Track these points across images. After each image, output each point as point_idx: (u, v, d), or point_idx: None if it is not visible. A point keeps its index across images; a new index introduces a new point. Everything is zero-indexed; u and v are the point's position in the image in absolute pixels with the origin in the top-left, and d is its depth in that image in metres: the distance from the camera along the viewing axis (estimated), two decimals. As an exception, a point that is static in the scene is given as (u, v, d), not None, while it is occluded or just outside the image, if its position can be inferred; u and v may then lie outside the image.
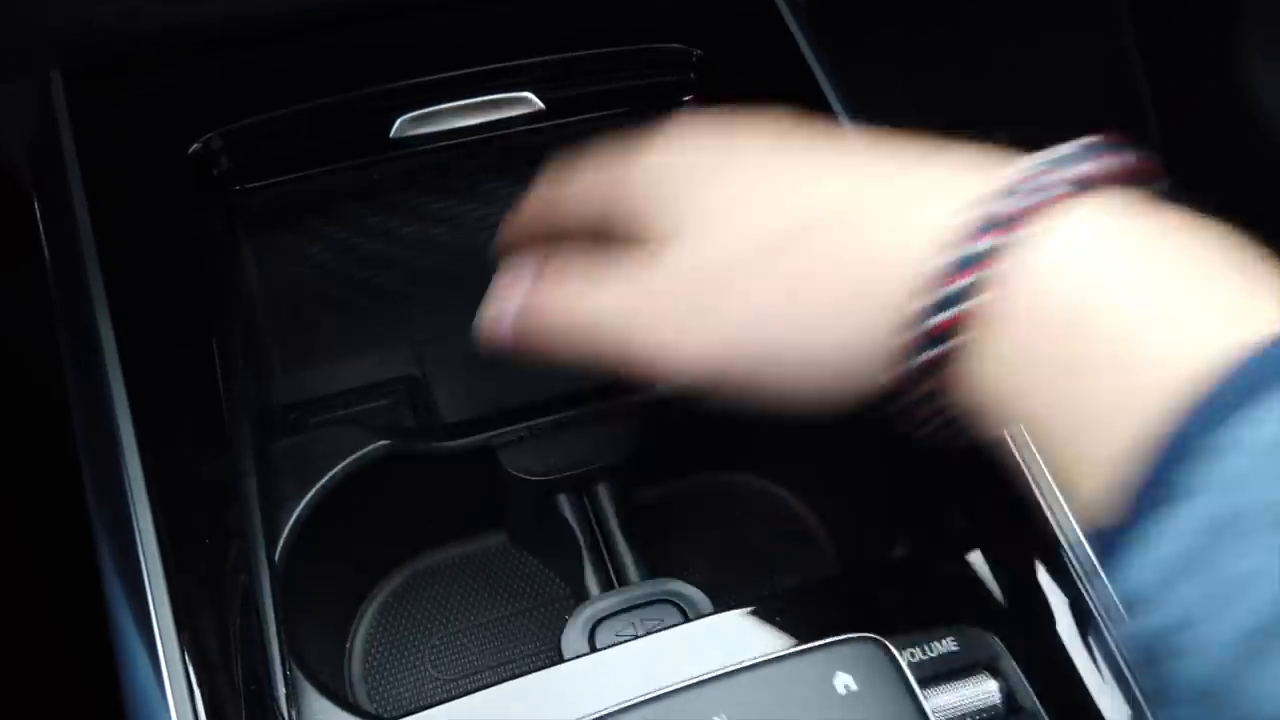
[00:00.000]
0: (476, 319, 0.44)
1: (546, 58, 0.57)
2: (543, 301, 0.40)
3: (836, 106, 0.56)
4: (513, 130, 0.56)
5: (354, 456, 0.46)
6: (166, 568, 0.38)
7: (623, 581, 0.46)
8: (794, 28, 0.59)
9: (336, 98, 0.54)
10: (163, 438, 0.43)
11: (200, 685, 0.36)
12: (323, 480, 0.45)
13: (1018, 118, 0.92)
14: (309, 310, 0.60)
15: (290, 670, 0.40)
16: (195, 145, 0.52)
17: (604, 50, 0.58)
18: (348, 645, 0.50)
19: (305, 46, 0.56)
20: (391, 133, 0.54)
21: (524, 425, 0.49)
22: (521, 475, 0.47)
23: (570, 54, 0.57)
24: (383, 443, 0.47)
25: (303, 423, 0.56)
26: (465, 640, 0.51)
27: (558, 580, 0.53)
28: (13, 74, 0.55)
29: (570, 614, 0.44)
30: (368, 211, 0.62)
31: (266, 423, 0.54)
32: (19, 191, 0.56)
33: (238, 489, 0.43)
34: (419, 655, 0.50)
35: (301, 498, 0.45)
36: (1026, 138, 0.33)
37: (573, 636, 0.42)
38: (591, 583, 0.46)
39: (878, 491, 0.53)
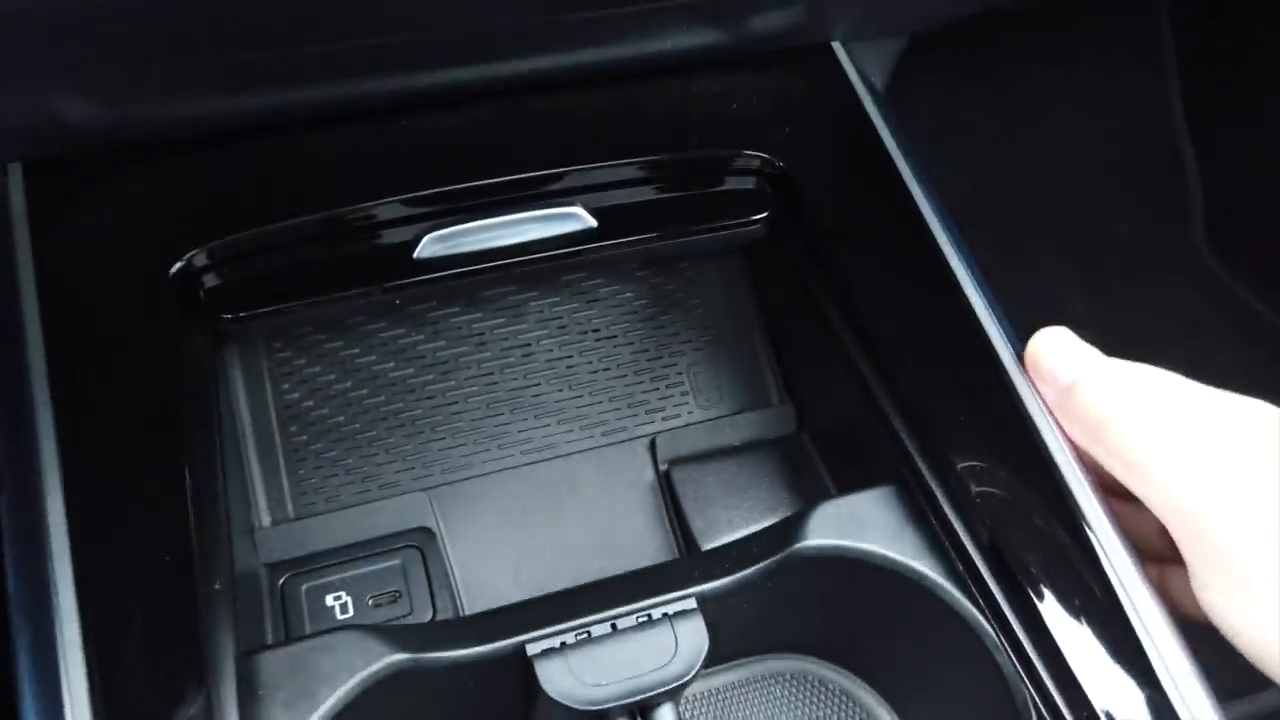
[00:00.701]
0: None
1: (600, 164, 0.48)
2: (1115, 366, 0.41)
3: (939, 236, 0.48)
4: (559, 252, 0.47)
5: (360, 676, 0.37)
6: None
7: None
8: (882, 129, 0.51)
9: (349, 209, 0.46)
10: (116, 630, 0.35)
11: None
12: (322, 709, 0.36)
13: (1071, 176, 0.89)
14: (303, 443, 0.51)
15: None
16: (177, 264, 0.43)
17: (664, 157, 0.49)
18: None
19: (313, 144, 0.47)
20: (416, 253, 0.46)
21: (563, 626, 0.40)
22: (566, 702, 0.38)
23: (629, 160, 0.49)
24: (394, 657, 0.38)
25: (292, 590, 0.47)
26: None
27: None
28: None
29: None
30: (380, 324, 0.53)
31: (247, 594, 0.45)
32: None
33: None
34: None
35: (295, 736, 0.36)
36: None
37: None
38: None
39: (956, 696, 0.45)
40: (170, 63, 0.42)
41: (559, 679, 0.39)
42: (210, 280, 0.45)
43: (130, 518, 0.37)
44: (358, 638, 0.38)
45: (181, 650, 0.35)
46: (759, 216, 0.51)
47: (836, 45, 0.54)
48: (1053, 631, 0.38)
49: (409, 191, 0.46)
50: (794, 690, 0.48)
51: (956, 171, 0.63)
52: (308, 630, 0.45)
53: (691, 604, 0.41)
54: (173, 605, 0.36)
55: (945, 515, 0.42)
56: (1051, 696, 0.38)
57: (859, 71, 0.54)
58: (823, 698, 0.48)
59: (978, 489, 0.42)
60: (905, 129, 0.52)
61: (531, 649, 0.40)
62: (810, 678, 0.49)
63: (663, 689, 0.39)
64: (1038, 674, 0.39)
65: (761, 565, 0.43)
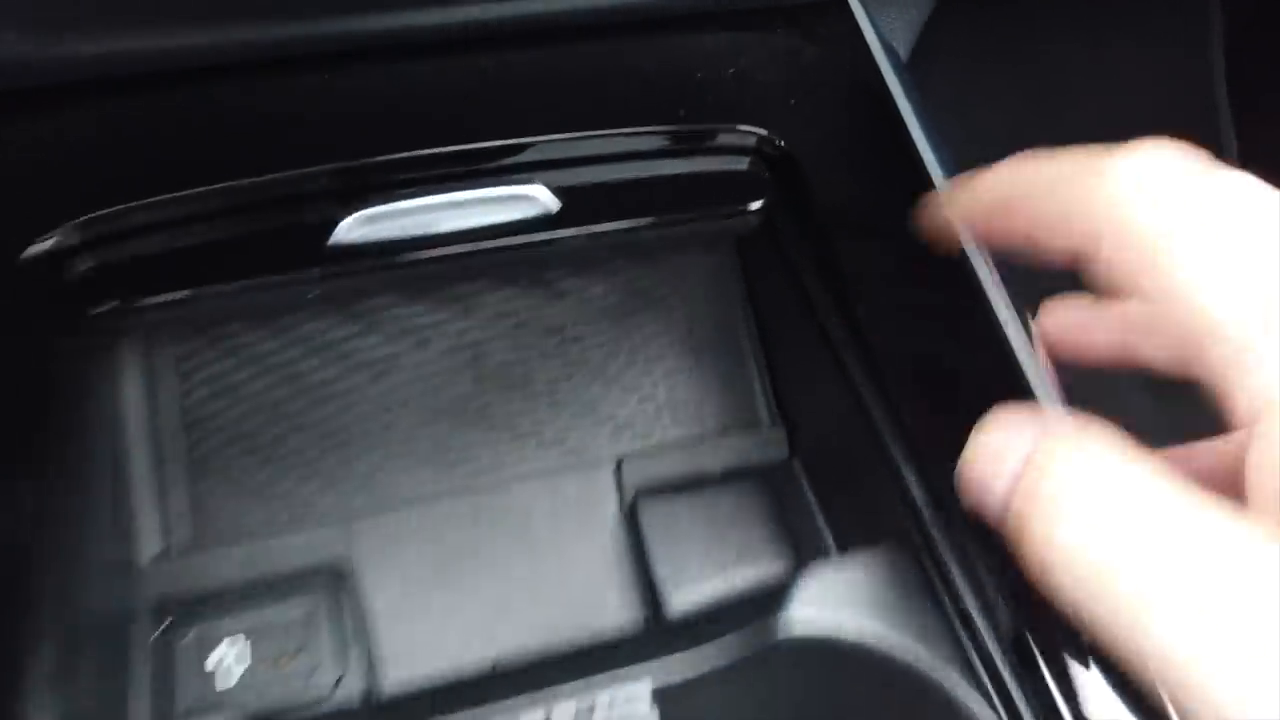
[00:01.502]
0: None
1: (568, 135, 0.40)
2: (1063, 475, 0.22)
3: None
4: (512, 242, 0.39)
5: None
6: None
7: None
8: (904, 108, 0.43)
9: (251, 181, 0.37)
10: None
11: None
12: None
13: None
14: (208, 453, 0.43)
15: None
16: (41, 242, 0.35)
17: (645, 130, 0.41)
18: None
19: (218, 97, 0.39)
20: (333, 238, 0.38)
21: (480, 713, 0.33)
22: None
23: (605, 132, 0.40)
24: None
25: (177, 638, 0.39)
26: None
27: None
28: None
29: None
30: (304, 316, 0.45)
31: (107, 646, 0.37)
32: None
33: None
34: None
35: None
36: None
37: None
38: None
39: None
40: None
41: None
42: (82, 263, 0.37)
43: None
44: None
45: None
46: (754, 205, 0.42)
47: (854, 2, 0.45)
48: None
49: (331, 161, 0.38)
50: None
51: (986, 156, 0.54)
52: (180, 696, 0.38)
53: (645, 693, 0.34)
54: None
55: (958, 591, 0.35)
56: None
57: (879, 35, 0.45)
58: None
59: (997, 559, 0.34)
60: (930, 104, 0.43)
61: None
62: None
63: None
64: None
65: (735, 652, 0.35)
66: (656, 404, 0.48)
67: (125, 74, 0.38)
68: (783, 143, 0.42)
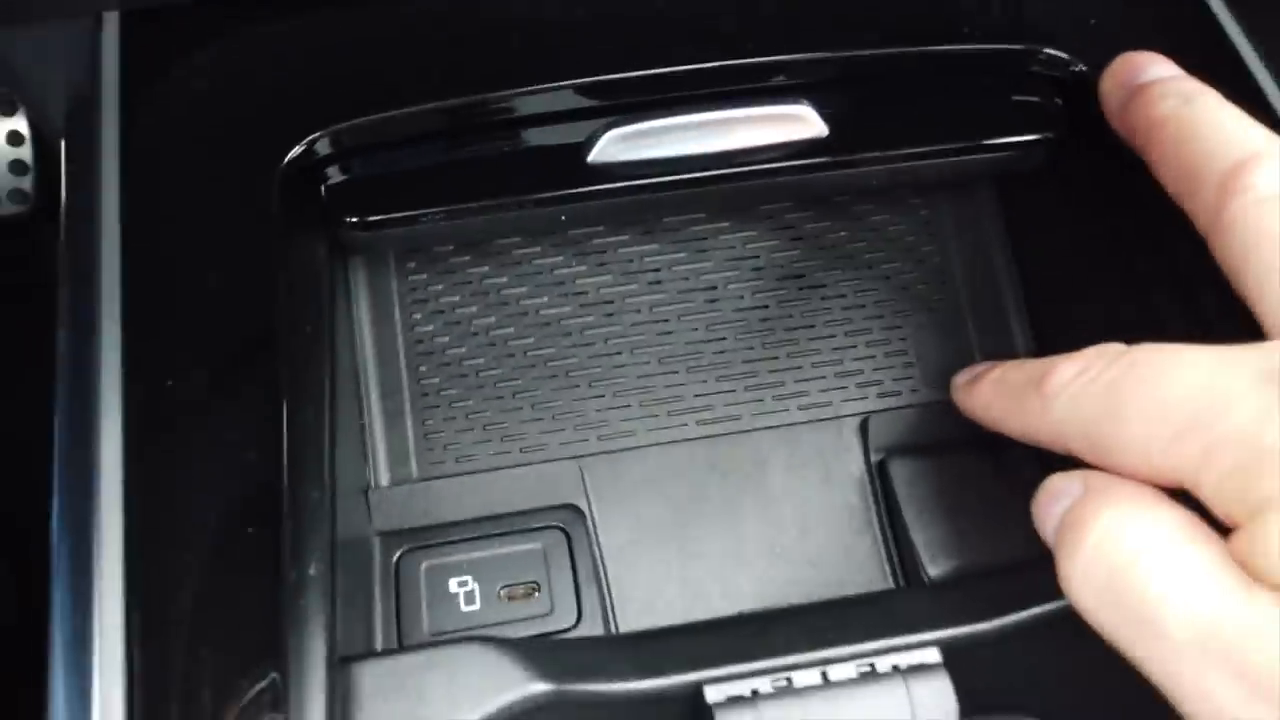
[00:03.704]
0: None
1: (839, 53, 0.37)
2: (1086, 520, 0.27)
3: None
4: (774, 165, 0.36)
5: (487, 711, 0.28)
6: None
7: None
8: (1231, 29, 0.37)
9: (510, 93, 0.35)
10: (170, 612, 0.26)
11: None
12: (436, 750, 0.27)
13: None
14: (435, 386, 0.42)
15: None
16: (294, 150, 0.34)
17: (933, 48, 0.37)
18: None
19: (474, 7, 0.37)
20: (591, 155, 0.35)
21: (756, 666, 0.29)
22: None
23: (878, 50, 0.37)
24: (534, 687, 0.28)
25: (409, 569, 0.38)
26: None
27: None
28: (57, 9, 0.38)
29: None
30: (535, 249, 0.43)
31: (352, 569, 0.36)
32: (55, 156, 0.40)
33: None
34: None
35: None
36: None
37: None
38: None
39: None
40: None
41: (750, 739, 0.28)
42: (334, 174, 0.36)
43: (205, 469, 0.29)
44: (490, 657, 0.29)
45: (255, 652, 0.27)
46: (1042, 135, 0.38)
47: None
48: None
49: (588, 75, 0.36)
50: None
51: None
52: (424, 620, 0.36)
53: (934, 656, 0.30)
54: (251, 591, 0.27)
55: None
56: None
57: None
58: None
59: None
60: (1263, 26, 0.38)
61: (712, 694, 0.29)
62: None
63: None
64: None
65: (1035, 611, 0.31)
66: (906, 360, 0.44)
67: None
68: (1083, 67, 0.37)
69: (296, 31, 0.37)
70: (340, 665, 0.28)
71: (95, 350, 0.31)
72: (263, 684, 0.27)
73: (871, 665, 0.30)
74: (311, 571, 0.28)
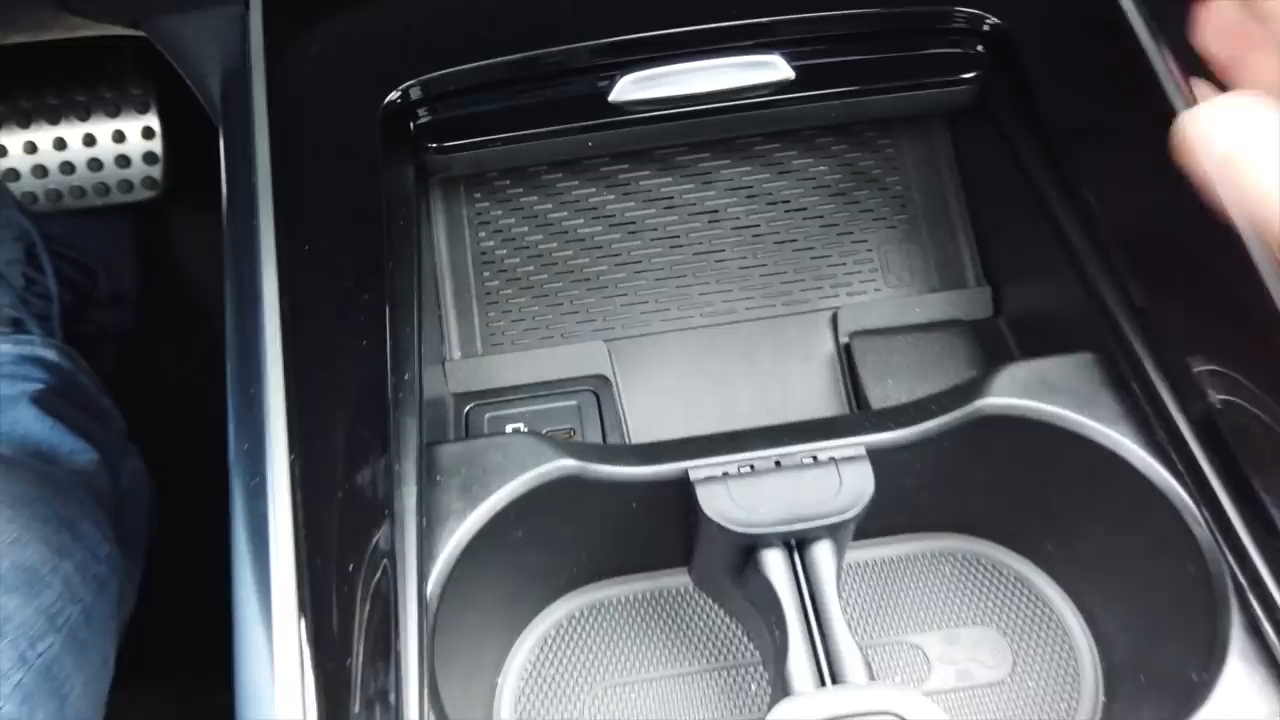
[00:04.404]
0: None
1: (800, 15, 0.47)
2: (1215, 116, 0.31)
3: (1170, 89, 0.44)
4: (754, 101, 0.47)
5: (531, 474, 0.39)
6: (300, 594, 0.32)
7: (835, 674, 0.37)
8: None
9: (551, 50, 0.47)
10: (317, 420, 0.37)
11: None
12: (491, 498, 0.38)
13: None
14: (495, 288, 0.53)
15: (428, 716, 0.34)
16: (392, 94, 0.46)
17: (872, 10, 0.47)
18: (498, 682, 0.43)
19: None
20: (612, 95, 0.46)
21: (728, 458, 0.40)
22: (723, 523, 0.38)
23: (830, 12, 0.47)
24: (565, 461, 0.39)
25: (476, 418, 0.49)
26: (633, 696, 0.43)
27: (743, 640, 0.45)
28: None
29: (768, 698, 0.35)
30: (573, 182, 0.55)
31: (435, 415, 0.47)
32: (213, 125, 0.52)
33: (394, 498, 0.36)
34: (577, 705, 0.43)
35: (465, 515, 0.38)
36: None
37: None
38: (798, 668, 0.37)
39: (1143, 579, 0.41)
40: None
41: (718, 502, 0.39)
42: (421, 113, 0.47)
43: (337, 331, 0.39)
44: (532, 441, 0.40)
45: (375, 440, 0.38)
46: (967, 76, 0.48)
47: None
48: (1268, 502, 0.34)
49: (608, 36, 0.47)
50: (964, 571, 0.46)
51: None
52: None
53: (860, 451, 0.40)
54: (371, 407, 0.38)
55: (1150, 381, 0.39)
56: (1261, 578, 0.35)
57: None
58: (995, 581, 0.46)
59: (1193, 362, 0.38)
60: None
61: (694, 474, 0.40)
62: (983, 560, 0.46)
63: (822, 521, 0.38)
64: (1244, 550, 0.35)
65: (938, 420, 0.41)
66: (871, 266, 0.54)
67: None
68: (998, 20, 0.47)
69: (388, 7, 0.49)
70: (426, 447, 0.40)
71: (256, 257, 0.42)
72: (381, 461, 0.38)
73: (814, 456, 0.40)
74: (404, 395, 0.39)
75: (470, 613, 0.40)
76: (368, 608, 0.33)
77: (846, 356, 0.51)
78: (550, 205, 0.54)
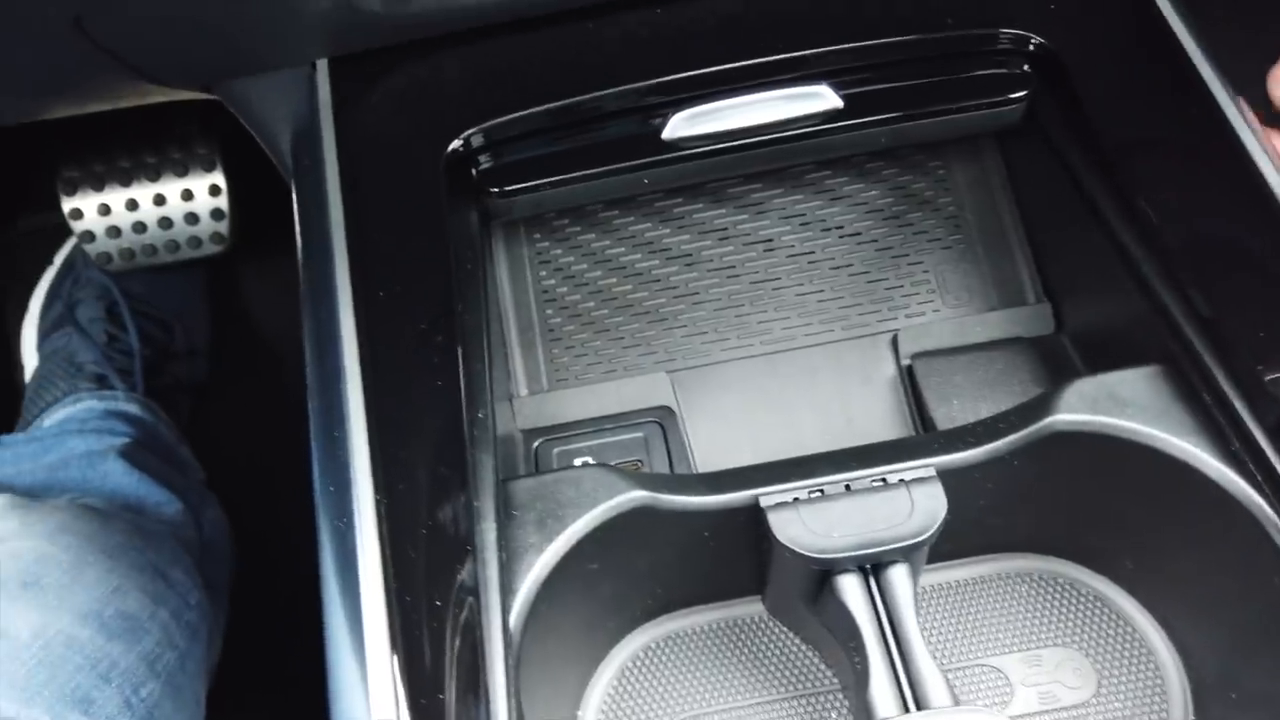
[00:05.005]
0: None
1: (846, 45, 0.48)
2: None
3: (1221, 99, 0.44)
4: (804, 131, 0.48)
5: (604, 506, 0.40)
6: (392, 630, 0.33)
7: (919, 699, 0.36)
8: (1164, 4, 0.47)
9: (603, 93, 0.48)
10: (398, 460, 0.38)
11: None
12: (567, 532, 0.39)
13: None
14: (557, 324, 0.55)
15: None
16: (454, 143, 0.47)
17: (916, 37, 0.48)
18: (578, 716, 0.44)
19: (572, 33, 0.50)
20: (665, 133, 0.48)
21: (798, 484, 0.40)
22: (796, 549, 0.38)
23: (876, 41, 0.48)
24: (637, 493, 0.40)
25: (545, 453, 0.50)
26: (711, 726, 0.44)
27: (821, 667, 0.45)
28: (283, 62, 0.53)
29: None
30: (628, 218, 0.56)
31: (505, 450, 0.48)
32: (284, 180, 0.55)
33: (474, 534, 0.37)
34: (657, 736, 0.43)
35: (542, 549, 0.39)
36: None
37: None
38: (881, 693, 0.37)
39: (1228, 593, 0.41)
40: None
41: (790, 528, 0.39)
42: (482, 159, 0.49)
43: (413, 372, 0.41)
44: (603, 474, 0.41)
45: (455, 478, 0.39)
46: (1016, 96, 0.48)
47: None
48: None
49: (658, 76, 0.48)
50: (1041, 591, 0.46)
51: (1255, 58, 0.56)
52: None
53: (930, 472, 0.40)
54: (448, 445, 0.39)
55: (1222, 393, 0.38)
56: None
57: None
58: (1073, 600, 0.45)
59: (1265, 370, 0.38)
60: (1195, 7, 0.47)
61: (765, 501, 0.40)
62: (1060, 579, 0.46)
63: (896, 545, 0.38)
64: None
65: (1008, 439, 0.41)
66: (928, 288, 0.54)
67: (508, 19, 0.50)
68: (1044, 41, 0.47)
69: (447, 60, 0.50)
70: (502, 483, 0.41)
71: (333, 304, 0.43)
72: (460, 498, 0.39)
73: (884, 479, 0.40)
74: (478, 432, 0.40)
75: (548, 646, 0.41)
76: (456, 643, 0.34)
77: (909, 378, 0.51)
78: (608, 241, 0.56)
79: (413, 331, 0.43)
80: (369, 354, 0.41)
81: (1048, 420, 0.40)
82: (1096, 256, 0.47)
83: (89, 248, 0.89)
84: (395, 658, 0.32)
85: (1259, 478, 0.37)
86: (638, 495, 0.40)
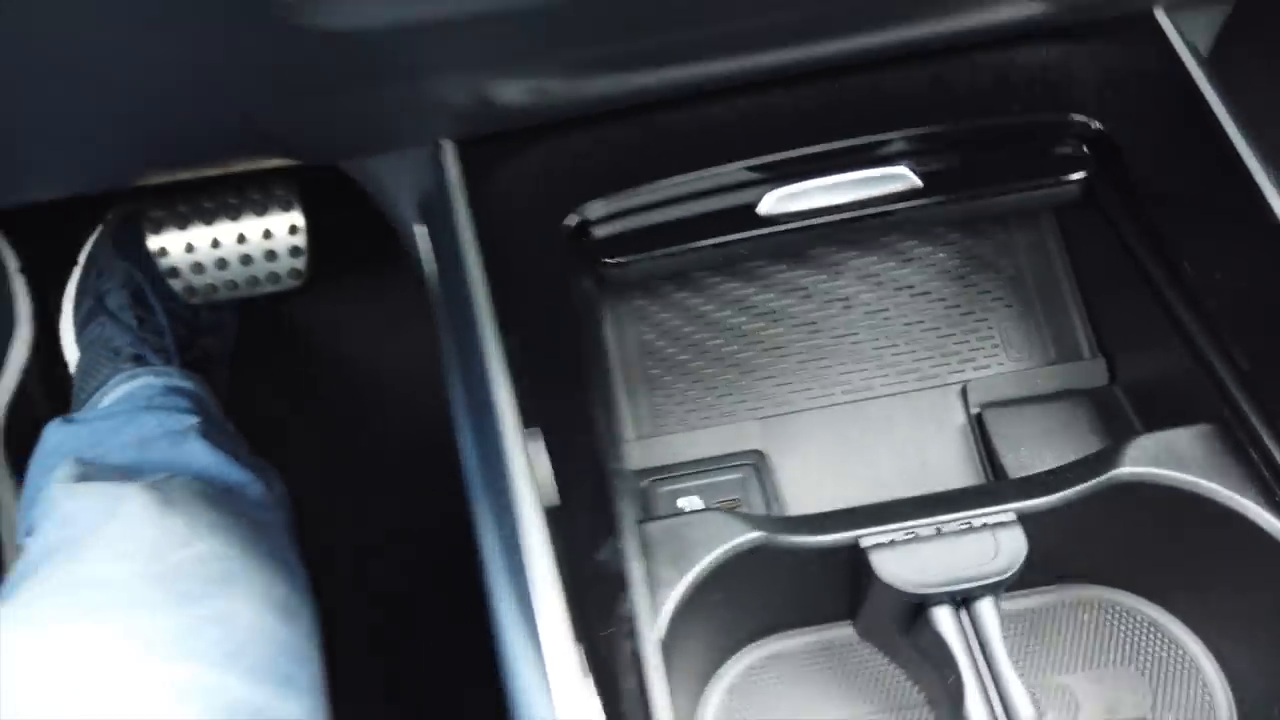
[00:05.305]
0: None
1: (926, 129, 0.54)
2: None
3: (1261, 181, 0.50)
4: (886, 208, 0.54)
5: (727, 546, 0.46)
6: (581, 663, 0.39)
7: (1010, 714, 0.42)
8: (1207, 92, 0.53)
9: (707, 171, 0.54)
10: (558, 512, 0.44)
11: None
12: (696, 567, 0.45)
13: None
14: (656, 376, 0.61)
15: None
16: (571, 217, 0.54)
17: (987, 121, 0.54)
18: (695, 724, 0.50)
19: (678, 118, 0.56)
20: (760, 208, 0.54)
21: (893, 526, 0.46)
22: (896, 585, 0.44)
23: (953, 126, 0.54)
24: (754, 534, 0.46)
25: (652, 492, 0.56)
26: (811, 738, 0.49)
27: (908, 686, 0.50)
28: (407, 144, 0.58)
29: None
30: (720, 278, 0.62)
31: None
32: (403, 249, 0.61)
33: (625, 570, 0.43)
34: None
35: (675, 583, 0.45)
36: None
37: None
38: (975, 709, 0.43)
39: (1272, 627, 0.46)
40: (574, 51, 0.52)
41: (889, 566, 0.45)
42: (599, 230, 0.55)
43: (561, 431, 0.46)
44: (724, 518, 0.47)
45: (602, 520, 0.45)
46: (1075, 177, 0.54)
47: (1159, 13, 0.56)
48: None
49: (754, 156, 0.54)
50: (1101, 617, 0.51)
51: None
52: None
53: (1011, 517, 0.46)
54: (597, 491, 0.45)
55: (1266, 448, 0.44)
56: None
57: (1183, 37, 0.56)
58: (1130, 626, 0.51)
59: None
60: (1234, 94, 0.53)
61: (865, 542, 0.46)
62: (1118, 607, 0.51)
63: (984, 582, 0.44)
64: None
65: (1078, 488, 0.47)
66: (993, 343, 0.60)
67: (624, 105, 0.56)
68: (1100, 125, 0.53)
69: (564, 141, 0.56)
70: (640, 524, 0.46)
71: (486, 375, 0.48)
72: (609, 539, 0.44)
73: (969, 523, 0.46)
74: (620, 481, 0.46)
75: (674, 663, 0.47)
76: (624, 666, 0.40)
77: (979, 426, 0.57)
78: (702, 299, 0.62)
79: (553, 390, 0.49)
80: (520, 414, 0.47)
81: (1114, 472, 0.46)
82: (1145, 317, 0.53)
83: (173, 283, 0.94)
84: (585, 681, 0.38)
85: None
86: (755, 536, 0.46)
